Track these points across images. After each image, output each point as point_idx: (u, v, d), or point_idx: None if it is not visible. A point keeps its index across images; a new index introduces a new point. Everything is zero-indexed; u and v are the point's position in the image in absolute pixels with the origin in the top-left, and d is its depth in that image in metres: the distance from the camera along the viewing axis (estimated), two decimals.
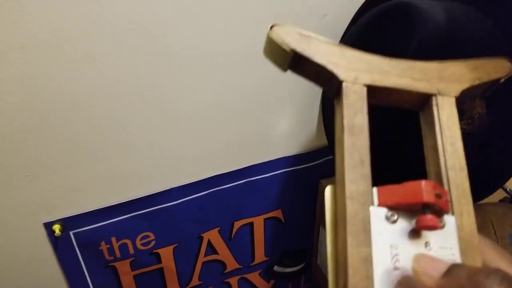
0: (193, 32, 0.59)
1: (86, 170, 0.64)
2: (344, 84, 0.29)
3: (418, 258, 0.25)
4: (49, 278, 0.71)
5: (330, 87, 0.31)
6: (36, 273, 0.69)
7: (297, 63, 0.30)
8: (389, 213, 0.26)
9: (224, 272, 0.88)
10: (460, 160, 0.29)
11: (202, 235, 0.80)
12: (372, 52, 0.31)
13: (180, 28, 0.58)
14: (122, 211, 0.70)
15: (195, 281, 0.85)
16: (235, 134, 0.72)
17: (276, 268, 0.95)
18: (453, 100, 0.32)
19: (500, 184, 0.58)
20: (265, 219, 0.85)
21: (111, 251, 0.72)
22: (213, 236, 0.81)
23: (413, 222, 0.27)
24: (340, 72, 0.29)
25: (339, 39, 0.65)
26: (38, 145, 0.58)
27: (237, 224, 0.83)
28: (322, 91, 0.65)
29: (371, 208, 0.26)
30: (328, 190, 0.29)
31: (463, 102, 0.49)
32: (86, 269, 0.73)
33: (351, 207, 0.26)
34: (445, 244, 0.26)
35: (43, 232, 0.66)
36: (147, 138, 0.65)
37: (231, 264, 0.87)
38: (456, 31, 0.47)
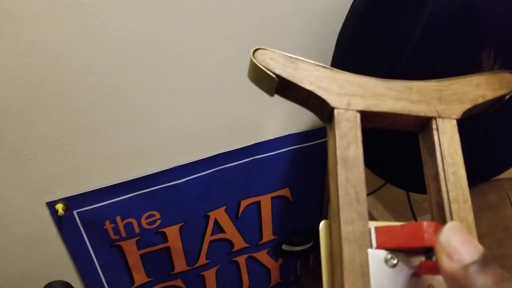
0: (195, 4, 0.56)
1: (88, 148, 0.62)
2: (336, 111, 0.27)
3: (453, 228, 0.22)
4: (55, 258, 0.71)
5: (321, 113, 0.29)
6: (41, 253, 0.69)
7: (284, 88, 0.28)
8: (389, 256, 0.25)
9: (232, 251, 0.87)
10: (463, 191, 0.28)
11: (208, 214, 0.79)
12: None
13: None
14: (126, 189, 0.69)
15: (202, 260, 0.84)
16: (240, 110, 0.70)
17: (284, 246, 0.94)
18: (455, 122, 0.29)
19: (506, 167, 0.55)
20: (272, 198, 0.83)
21: (116, 230, 0.71)
22: (219, 215, 0.80)
23: (415, 264, 0.25)
24: (330, 99, 0.28)
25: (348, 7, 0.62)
26: (36, 121, 0.56)
27: (244, 203, 0.81)
28: (332, 61, 0.62)
29: (369, 251, 0.24)
30: (322, 226, 0.27)
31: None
32: (92, 249, 0.72)
33: (347, 251, 0.24)
34: None
35: (46, 212, 0.65)
36: (150, 115, 0.63)
37: (239, 243, 0.86)
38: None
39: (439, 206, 0.28)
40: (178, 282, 0.86)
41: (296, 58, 0.28)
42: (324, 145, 0.81)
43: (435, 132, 0.29)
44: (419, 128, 0.31)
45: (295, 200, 0.86)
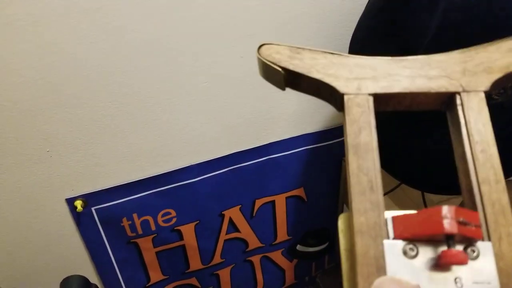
0: (211, 6, 0.57)
1: (107, 146, 0.64)
2: (345, 97, 0.26)
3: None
4: (73, 254, 0.72)
5: (334, 102, 0.28)
6: (60, 248, 0.71)
7: (293, 81, 0.28)
8: (408, 246, 0.22)
9: (246, 250, 0.88)
10: (495, 170, 0.24)
11: (223, 212, 0.79)
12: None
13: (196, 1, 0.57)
14: (142, 187, 0.70)
15: (217, 258, 0.85)
16: (255, 109, 0.70)
17: (299, 247, 0.94)
18: (482, 95, 0.26)
19: None
20: (287, 198, 0.83)
21: (132, 227, 0.73)
22: (234, 213, 0.81)
23: (437, 254, 0.23)
24: (339, 85, 0.26)
25: None
26: (57, 120, 0.58)
27: (259, 202, 0.82)
28: None
29: (385, 242, 0.23)
30: (341, 219, 0.26)
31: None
32: (109, 245, 0.74)
33: (360, 243, 0.23)
34: (480, 278, 0.22)
35: (65, 208, 0.67)
36: (166, 114, 0.65)
37: (253, 242, 0.87)
38: None
39: (469, 190, 0.25)
40: (193, 281, 0.87)
41: (302, 48, 0.27)
42: (339, 145, 0.81)
43: (459, 107, 0.26)
44: (444, 105, 0.28)
45: (310, 200, 0.86)
